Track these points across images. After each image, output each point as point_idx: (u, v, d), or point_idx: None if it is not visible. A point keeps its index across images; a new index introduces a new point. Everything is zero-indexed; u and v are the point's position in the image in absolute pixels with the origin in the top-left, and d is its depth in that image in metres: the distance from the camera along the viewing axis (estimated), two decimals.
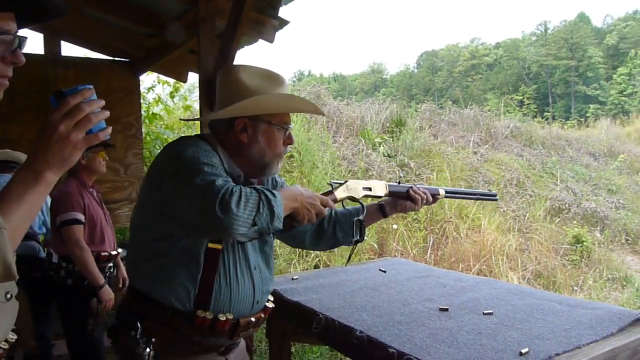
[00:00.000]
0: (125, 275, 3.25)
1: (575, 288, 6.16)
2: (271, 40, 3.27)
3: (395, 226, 6.11)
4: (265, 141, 1.42)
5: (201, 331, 1.36)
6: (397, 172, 7.40)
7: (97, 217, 2.84)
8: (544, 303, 1.74)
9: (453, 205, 7.10)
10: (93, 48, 4.44)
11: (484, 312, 1.65)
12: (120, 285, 3.17)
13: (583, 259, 6.92)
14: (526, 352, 1.30)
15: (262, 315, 1.51)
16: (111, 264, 3.00)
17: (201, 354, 1.42)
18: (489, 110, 12.54)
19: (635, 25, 57.45)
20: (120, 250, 3.14)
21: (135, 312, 1.37)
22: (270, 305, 1.54)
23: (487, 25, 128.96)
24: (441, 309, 1.70)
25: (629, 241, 8.15)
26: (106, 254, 2.88)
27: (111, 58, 4.43)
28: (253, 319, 1.46)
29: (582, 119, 25.25)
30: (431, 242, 6.32)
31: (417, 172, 7.69)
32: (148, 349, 1.32)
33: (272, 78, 1.47)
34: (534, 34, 65.63)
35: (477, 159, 9.23)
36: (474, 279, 2.15)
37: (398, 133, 8.60)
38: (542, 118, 19.39)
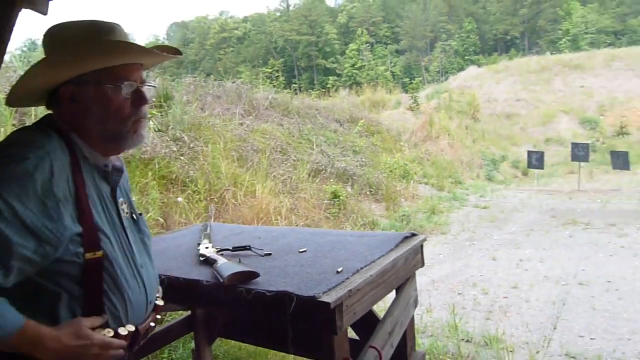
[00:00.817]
0: None
1: None
2: (45, 12, 3.04)
3: (180, 199, 6.21)
4: (100, 107, 1.19)
5: None
6: (172, 146, 7.42)
7: None
8: (340, 238, 2.22)
9: (229, 175, 7.50)
10: None
11: (300, 251, 2.05)
12: None
13: (341, 211, 8.10)
14: (341, 270, 1.72)
15: (157, 316, 1.38)
16: None
17: None
18: (242, 83, 13.16)
19: (360, 7, 65.88)
20: None
21: (7, 354, 1.05)
22: (160, 302, 1.40)
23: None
24: (266, 254, 2.03)
25: (372, 192, 9.78)
26: None
27: None
28: (152, 324, 1.33)
29: (324, 90, 28.32)
30: (213, 211, 6.61)
31: (190, 145, 7.82)
32: None
33: (97, 28, 1.19)
34: (277, 10, 69.66)
35: (244, 130, 9.77)
36: (280, 229, 2.55)
37: (167, 107, 8.54)
38: (291, 89, 21.06)
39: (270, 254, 2.02)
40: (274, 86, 17.36)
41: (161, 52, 1.25)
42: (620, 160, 12.28)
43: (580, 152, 13.39)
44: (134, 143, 1.27)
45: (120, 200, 1.30)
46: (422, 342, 3.71)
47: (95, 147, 1.22)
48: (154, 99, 8.53)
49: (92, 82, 1.17)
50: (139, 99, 1.23)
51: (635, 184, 13.11)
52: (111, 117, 1.19)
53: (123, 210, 1.30)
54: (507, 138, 20.48)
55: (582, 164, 13.61)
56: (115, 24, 1.23)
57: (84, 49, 1.14)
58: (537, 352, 3.56)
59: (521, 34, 64.09)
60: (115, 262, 1.17)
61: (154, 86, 1.31)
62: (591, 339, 3.86)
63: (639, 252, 6.27)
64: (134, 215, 1.36)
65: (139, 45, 1.18)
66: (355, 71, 54.50)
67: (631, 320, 4.16)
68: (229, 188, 7.25)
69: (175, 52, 1.31)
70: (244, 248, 2.05)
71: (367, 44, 59.13)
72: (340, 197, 8.35)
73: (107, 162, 1.25)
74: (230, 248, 2.05)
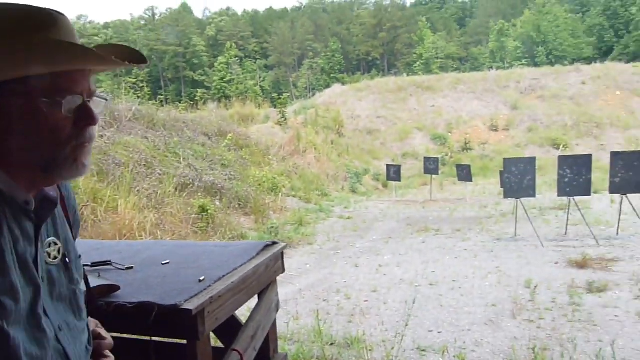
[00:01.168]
0: None
1: None
2: None
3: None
4: (29, 127, 0.84)
5: None
6: None
7: None
8: (204, 249, 2.27)
9: (87, 190, 7.07)
10: None
11: (162, 263, 2.06)
12: None
13: (209, 225, 8.04)
14: (203, 279, 1.78)
15: None
16: None
17: None
18: (103, 92, 12.48)
19: (229, 20, 65.87)
20: None
21: None
22: None
23: (93, 4, 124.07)
24: (127, 268, 2.01)
25: (241, 205, 9.83)
26: None
27: None
28: None
29: (192, 102, 27.80)
30: None
31: None
32: None
33: (32, 18, 0.83)
34: (142, 18, 66.97)
35: (105, 143, 9.27)
36: (143, 242, 2.53)
37: None
38: (157, 101, 20.39)
39: (132, 268, 2.00)
40: (139, 97, 16.65)
41: (122, 60, 0.89)
42: (464, 173, 13.74)
43: (431, 166, 14.74)
44: (73, 174, 0.92)
45: (48, 240, 0.96)
46: (289, 348, 3.86)
47: (17, 177, 0.87)
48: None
49: (21, 92, 0.83)
50: (85, 118, 0.88)
51: (476, 194, 14.77)
52: (44, 140, 0.85)
53: (48, 254, 0.95)
54: (369, 152, 21.83)
55: (433, 176, 14.99)
56: (58, 13, 0.87)
57: (12, 48, 0.79)
58: (393, 348, 3.88)
59: (381, 56, 68.85)
60: (13, 335, 0.80)
61: (106, 99, 0.98)
62: (438, 332, 4.31)
63: (479, 254, 7.10)
64: (66, 259, 1.00)
65: (93, 51, 0.85)
66: (224, 84, 54.17)
67: (471, 314, 4.72)
68: (87, 204, 6.84)
69: (141, 60, 0.94)
70: (104, 263, 2.00)
71: (236, 58, 59.23)
72: (209, 211, 8.28)
73: (28, 199, 0.89)
74: (89, 264, 1.99)
